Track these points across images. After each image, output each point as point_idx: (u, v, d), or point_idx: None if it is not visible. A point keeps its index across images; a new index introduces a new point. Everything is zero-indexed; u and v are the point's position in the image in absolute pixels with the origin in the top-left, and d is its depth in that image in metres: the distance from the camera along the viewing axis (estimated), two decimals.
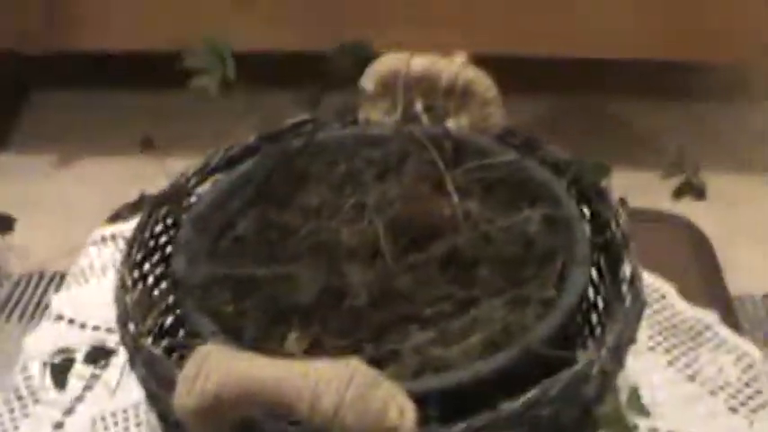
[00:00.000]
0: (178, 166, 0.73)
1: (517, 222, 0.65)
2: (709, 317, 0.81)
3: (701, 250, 0.92)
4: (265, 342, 0.56)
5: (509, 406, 0.51)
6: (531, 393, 0.51)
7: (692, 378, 0.76)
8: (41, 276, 1.52)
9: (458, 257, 0.62)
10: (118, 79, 2.02)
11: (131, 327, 0.59)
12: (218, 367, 0.47)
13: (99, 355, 0.57)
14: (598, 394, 0.55)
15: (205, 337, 0.56)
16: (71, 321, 0.81)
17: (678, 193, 0.69)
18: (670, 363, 0.77)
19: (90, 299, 0.83)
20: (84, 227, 1.23)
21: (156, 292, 0.67)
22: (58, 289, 1.49)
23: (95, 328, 0.80)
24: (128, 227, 0.89)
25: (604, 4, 1.61)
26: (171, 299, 0.64)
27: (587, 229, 0.66)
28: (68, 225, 1.58)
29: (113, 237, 0.90)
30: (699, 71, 2.02)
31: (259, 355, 0.49)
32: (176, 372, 0.55)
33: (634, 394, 0.52)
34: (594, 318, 0.69)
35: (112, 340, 0.70)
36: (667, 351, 0.78)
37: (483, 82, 0.76)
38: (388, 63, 0.76)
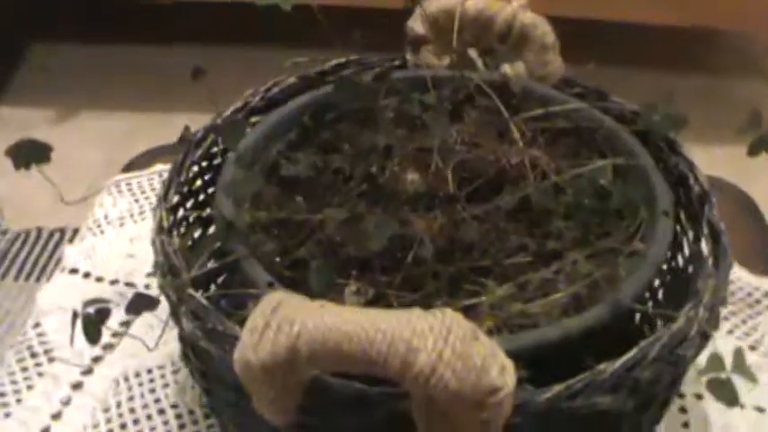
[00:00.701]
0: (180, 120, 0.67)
1: (588, 172, 0.60)
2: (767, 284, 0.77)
3: (750, 216, 0.87)
4: (328, 294, 0.50)
5: (608, 367, 0.46)
6: (631, 354, 0.46)
7: (753, 348, 0.71)
8: (39, 233, 1.44)
9: (528, 207, 0.57)
10: (121, 34, 1.94)
11: (172, 275, 0.53)
12: (293, 317, 0.41)
13: (142, 304, 0.51)
14: (694, 357, 0.50)
15: (260, 287, 0.50)
16: (86, 275, 0.75)
17: (753, 150, 0.65)
18: (730, 331, 0.73)
19: (106, 251, 0.77)
20: (82, 183, 1.17)
21: (190, 240, 0.61)
22: (57, 246, 1.43)
23: (113, 281, 0.74)
24: (145, 174, 0.84)
25: None
26: (212, 245, 0.58)
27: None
28: (66, 181, 1.50)
29: (129, 186, 0.83)
30: (710, 43, 1.98)
31: (335, 304, 0.43)
32: (230, 324, 0.49)
33: (739, 357, 0.47)
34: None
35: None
36: (726, 319, 0.74)
37: (541, 27, 0.71)
38: (440, 3, 0.71)
